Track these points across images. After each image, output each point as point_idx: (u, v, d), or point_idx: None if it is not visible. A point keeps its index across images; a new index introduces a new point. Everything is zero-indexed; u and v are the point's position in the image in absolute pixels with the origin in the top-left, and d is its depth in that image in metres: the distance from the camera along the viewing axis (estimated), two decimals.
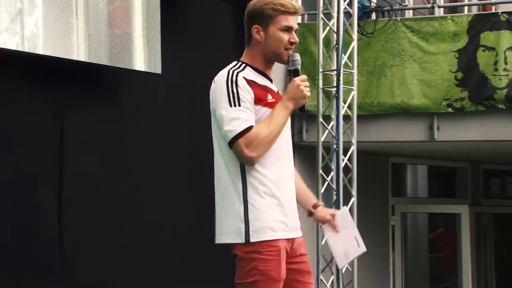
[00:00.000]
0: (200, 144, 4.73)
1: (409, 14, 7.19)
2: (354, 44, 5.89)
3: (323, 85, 5.89)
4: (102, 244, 4.04)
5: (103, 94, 4.17)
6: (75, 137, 4.00)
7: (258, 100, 2.50)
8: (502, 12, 6.16)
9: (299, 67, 2.57)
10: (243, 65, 2.57)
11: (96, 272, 4.01)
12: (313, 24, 6.19)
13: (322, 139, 5.84)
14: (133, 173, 4.24)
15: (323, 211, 2.75)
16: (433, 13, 6.60)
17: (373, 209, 7.32)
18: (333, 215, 2.75)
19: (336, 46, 5.78)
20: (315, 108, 6.04)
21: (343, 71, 5.75)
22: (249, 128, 2.45)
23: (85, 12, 3.87)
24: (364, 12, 6.40)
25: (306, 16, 6.69)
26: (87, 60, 3.89)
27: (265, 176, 2.50)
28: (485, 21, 6.15)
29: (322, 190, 5.83)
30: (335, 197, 5.71)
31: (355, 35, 5.91)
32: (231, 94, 2.46)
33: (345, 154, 5.78)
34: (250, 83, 2.50)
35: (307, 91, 2.54)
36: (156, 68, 4.21)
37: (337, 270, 5.65)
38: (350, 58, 5.88)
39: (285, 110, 2.51)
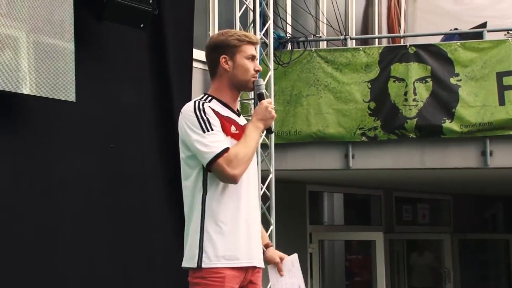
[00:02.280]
0: (116, 175, 4.64)
1: (323, 45, 7.39)
2: (271, 73, 5.98)
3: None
4: (14, 277, 3.85)
5: (13, 123, 4.01)
6: None
7: (222, 130, 2.61)
8: (410, 45, 6.43)
9: (264, 91, 2.74)
10: (210, 97, 2.71)
11: None
12: None
13: None
14: (45, 205, 4.08)
15: (273, 252, 2.84)
16: (346, 44, 6.82)
17: (291, 237, 7.37)
18: (281, 258, 2.83)
19: None
20: None
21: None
22: (226, 149, 2.57)
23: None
24: (280, 43, 6.53)
25: None
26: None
27: (224, 205, 2.59)
28: (395, 53, 6.40)
29: None
30: None
31: (271, 65, 6.01)
32: (201, 121, 2.60)
33: (263, 183, 5.81)
34: (215, 113, 2.63)
35: (274, 112, 2.69)
36: (70, 95, 4.11)
37: None
38: (267, 87, 5.96)
39: (257, 130, 2.66)
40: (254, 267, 2.63)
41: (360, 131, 6.33)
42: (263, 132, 2.74)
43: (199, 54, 6.45)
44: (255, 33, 5.82)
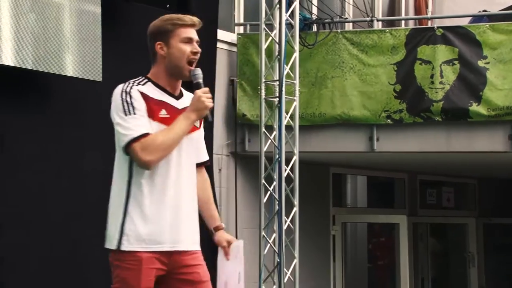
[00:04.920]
0: None
1: (349, 26, 7.32)
2: (296, 55, 5.95)
3: (265, 95, 5.92)
4: (38, 260, 3.92)
5: (40, 102, 4.06)
6: (14, 147, 3.87)
7: (149, 115, 2.61)
8: (438, 27, 6.34)
9: (200, 80, 2.69)
10: (145, 80, 2.70)
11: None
12: (255, 35, 6.22)
13: (265, 149, 5.86)
14: (71, 186, 4.13)
15: (221, 236, 2.83)
16: (372, 26, 6.74)
17: (315, 219, 7.37)
18: (228, 242, 2.83)
19: (278, 56, 5.82)
20: (257, 118, 6.06)
21: (285, 81, 5.79)
22: (145, 134, 2.58)
23: (24, 18, 3.76)
24: (306, 24, 6.48)
25: (248, 27, 6.72)
26: (29, 67, 3.76)
27: (149, 190, 2.60)
28: (421, 35, 6.31)
29: (265, 200, 5.84)
30: (277, 207, 5.73)
31: (296, 46, 5.97)
32: (125, 104, 2.61)
33: (287, 164, 5.81)
34: (144, 96, 2.62)
35: (208, 102, 2.67)
36: (97, 75, 4.14)
37: (279, 280, 5.66)
38: (292, 69, 5.93)
39: (187, 121, 2.63)
40: (184, 251, 2.64)
41: (385, 114, 6.29)
42: (205, 121, 2.72)
43: (223, 35, 6.44)
44: (280, 14, 5.79)
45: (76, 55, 4.01)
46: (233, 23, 6.73)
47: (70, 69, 3.98)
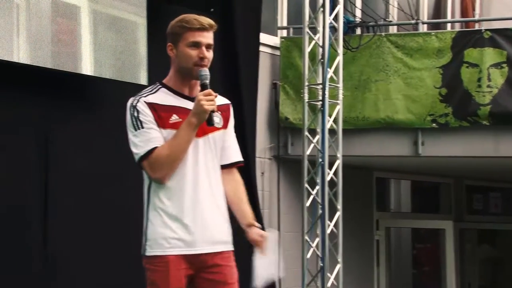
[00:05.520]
0: None
1: (393, 29, 7.25)
2: (340, 58, 5.92)
3: (308, 99, 5.90)
4: (89, 256, 3.99)
5: (88, 105, 4.14)
6: (60, 149, 3.96)
7: (159, 124, 2.61)
8: (485, 30, 6.23)
9: (207, 81, 2.63)
10: (157, 87, 2.69)
11: (83, 284, 3.96)
12: (298, 38, 6.22)
13: (308, 152, 5.85)
14: (119, 185, 4.20)
15: (254, 232, 2.77)
16: (417, 29, 6.66)
17: (358, 224, 7.31)
18: (262, 236, 2.76)
19: (322, 60, 5.80)
20: (300, 122, 6.05)
21: (329, 85, 5.77)
22: (151, 150, 2.58)
23: (35, 16, 3.78)
24: (349, 27, 6.45)
25: (291, 30, 6.72)
26: (73, 71, 3.86)
27: (167, 194, 2.62)
28: (468, 38, 6.21)
29: (308, 204, 5.82)
30: (320, 211, 5.70)
31: (340, 50, 5.94)
32: (133, 119, 2.62)
33: (330, 168, 5.78)
34: (151, 106, 2.61)
35: (208, 106, 2.57)
36: (143, 79, 4.20)
37: (323, 284, 5.63)
38: (336, 72, 5.91)
39: (189, 127, 2.59)
40: (210, 253, 2.64)
41: (431, 118, 6.20)
42: (209, 125, 2.63)
43: (266, 39, 6.45)
44: (324, 17, 5.77)
45: (123, 59, 4.08)
46: (276, 27, 6.73)
47: (117, 73, 4.05)
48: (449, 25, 7.70)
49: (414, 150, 6.30)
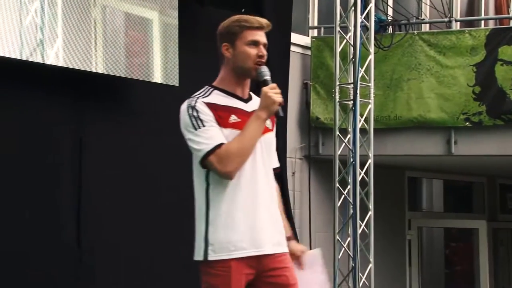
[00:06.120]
0: None
1: (426, 28, 7.17)
2: (371, 57, 5.88)
3: (339, 98, 5.88)
4: (122, 255, 4.04)
5: (122, 107, 4.18)
6: (95, 150, 4.01)
7: (219, 123, 2.59)
8: None
9: (267, 77, 2.64)
10: (210, 90, 2.68)
11: (116, 284, 4.01)
12: (329, 38, 6.19)
13: (339, 152, 5.83)
14: (152, 185, 4.24)
15: (294, 246, 2.77)
16: (450, 27, 6.58)
17: (390, 223, 7.26)
18: (302, 252, 2.77)
19: (353, 59, 5.77)
20: (331, 121, 6.03)
21: (360, 84, 5.74)
22: (218, 145, 2.56)
23: (103, 25, 3.91)
24: (381, 26, 6.40)
25: (322, 30, 6.69)
26: (104, 72, 3.91)
27: (226, 196, 2.60)
28: (503, 35, 6.12)
29: (339, 204, 5.80)
30: (351, 211, 5.68)
31: (372, 49, 5.90)
32: (192, 119, 2.58)
33: (361, 168, 5.75)
34: (210, 106, 2.61)
35: (277, 98, 2.59)
36: (174, 80, 4.23)
37: (354, 284, 5.61)
38: (367, 71, 5.87)
39: (257, 120, 2.59)
40: (270, 254, 2.61)
41: (464, 116, 6.13)
42: (277, 118, 2.66)
43: (297, 38, 6.44)
44: (355, 16, 5.74)
45: (159, 63, 4.13)
46: (307, 26, 6.72)
47: (155, 76, 4.11)
48: (482, 22, 7.60)
49: (447, 149, 6.23)
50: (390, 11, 6.69)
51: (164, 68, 4.12)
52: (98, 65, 3.87)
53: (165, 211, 4.26)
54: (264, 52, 2.65)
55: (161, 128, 4.36)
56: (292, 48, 6.18)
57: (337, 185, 5.79)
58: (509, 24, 6.83)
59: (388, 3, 6.73)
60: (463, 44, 6.18)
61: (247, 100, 2.68)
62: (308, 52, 6.53)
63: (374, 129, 5.92)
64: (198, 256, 2.62)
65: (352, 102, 5.73)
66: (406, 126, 6.28)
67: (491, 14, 8.06)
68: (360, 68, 5.70)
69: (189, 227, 4.38)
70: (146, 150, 4.23)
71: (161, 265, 4.23)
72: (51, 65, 3.71)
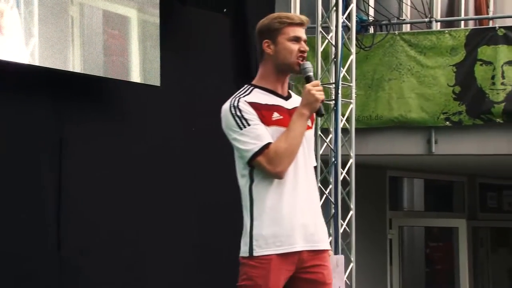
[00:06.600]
0: (199, 157, 4.72)
1: (406, 28, 7.21)
2: (353, 57, 5.90)
3: None
4: (103, 259, 4.01)
5: (102, 107, 4.16)
6: (75, 151, 3.98)
7: (263, 121, 2.59)
8: (499, 27, 6.19)
9: (310, 74, 2.66)
10: (250, 88, 2.68)
11: (98, 286, 3.98)
12: (311, 38, 6.17)
13: (321, 152, 5.84)
14: (134, 186, 4.22)
15: None
16: (430, 27, 6.63)
17: (371, 223, 7.30)
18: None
19: (335, 59, 5.79)
20: None
21: (342, 84, 5.76)
22: (266, 145, 2.57)
23: (81, 24, 3.87)
24: (362, 26, 6.43)
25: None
26: (82, 72, 3.86)
27: (270, 193, 2.60)
28: (482, 36, 6.18)
29: (321, 203, 5.80)
30: (333, 210, 5.70)
31: (353, 49, 5.93)
32: (236, 118, 2.59)
33: (343, 167, 5.77)
34: (253, 105, 2.61)
35: (319, 95, 2.61)
36: (155, 80, 4.21)
37: None
38: (348, 71, 5.89)
39: (301, 118, 2.61)
40: (311, 250, 2.62)
41: (444, 116, 6.18)
42: (318, 116, 2.69)
43: None
44: (337, 16, 5.76)
45: (138, 62, 4.10)
46: None
47: (134, 75, 4.08)
48: (462, 23, 7.66)
49: (428, 149, 6.28)
50: (371, 12, 6.72)
51: (143, 68, 4.09)
52: (75, 65, 3.81)
53: (148, 212, 4.24)
54: (306, 48, 2.67)
55: (142, 128, 4.34)
56: None
57: (319, 184, 5.80)
58: (489, 25, 6.89)
59: (369, 4, 6.76)
60: (443, 44, 6.23)
61: (287, 97, 2.70)
62: None
63: (356, 128, 5.95)
64: (244, 252, 2.62)
65: (333, 102, 5.75)
66: (387, 126, 6.32)
67: (471, 14, 8.13)
68: (341, 68, 5.72)
69: (173, 229, 4.38)
70: (127, 150, 4.21)
71: (144, 268, 4.21)
72: (28, 64, 3.67)
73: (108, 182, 4.09)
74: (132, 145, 4.27)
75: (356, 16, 6.07)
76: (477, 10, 8.01)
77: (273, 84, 2.68)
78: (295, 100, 2.71)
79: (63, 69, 3.76)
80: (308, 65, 2.66)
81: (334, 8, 5.78)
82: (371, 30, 6.52)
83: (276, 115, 2.61)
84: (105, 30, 3.97)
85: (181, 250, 4.40)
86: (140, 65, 4.08)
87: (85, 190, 3.99)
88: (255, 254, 2.58)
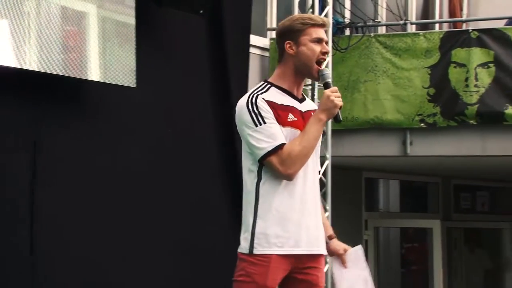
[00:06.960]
0: (174, 159, 4.70)
1: (382, 30, 7.28)
2: (329, 59, 5.94)
3: None
4: (78, 262, 3.97)
5: (78, 109, 4.11)
6: (49, 153, 3.92)
7: (278, 121, 2.60)
8: (473, 30, 6.27)
9: (329, 80, 2.67)
10: (268, 86, 2.68)
11: None
12: None
13: None
14: (109, 189, 4.18)
15: (337, 244, 2.80)
16: (405, 29, 6.69)
17: (347, 224, 7.34)
18: (345, 250, 2.80)
19: None
20: None
21: (318, 86, 5.79)
22: (280, 146, 2.56)
23: (37, 20, 3.74)
24: (338, 28, 6.47)
25: None
26: (38, 70, 3.74)
27: (277, 193, 2.60)
28: (456, 38, 6.25)
29: None
30: None
31: (329, 51, 5.95)
32: (253, 115, 2.58)
33: None
34: (270, 103, 2.61)
35: (338, 101, 2.62)
36: (131, 81, 4.18)
37: None
38: None
39: (318, 123, 2.60)
40: (311, 254, 2.64)
41: (419, 118, 6.23)
42: (336, 122, 2.69)
43: (256, 40, 6.45)
44: None
45: (111, 62, 4.06)
46: (265, 28, 6.74)
47: (105, 75, 4.03)
48: (437, 25, 7.75)
49: (403, 150, 6.33)
50: (347, 14, 6.76)
51: (104, 65, 4.00)
52: (32, 62, 3.67)
53: (123, 215, 4.20)
54: (328, 49, 2.70)
55: (118, 130, 4.31)
56: (251, 49, 6.18)
57: None
58: (462, 27, 6.97)
59: (345, 6, 6.80)
60: (418, 47, 6.29)
61: (301, 100, 2.70)
62: (267, 54, 6.55)
63: (332, 130, 5.98)
64: (244, 249, 2.60)
65: None
66: (363, 128, 6.36)
67: (445, 17, 8.22)
68: None
69: (150, 230, 4.34)
70: (102, 152, 4.17)
71: (120, 271, 4.17)
72: None
73: (83, 185, 4.05)
74: (108, 147, 4.23)
75: (332, 18, 6.11)
76: (451, 13, 8.11)
77: (290, 85, 2.67)
78: (308, 103, 2.72)
79: (19, 66, 3.62)
80: (327, 71, 2.68)
81: (310, 10, 5.81)
82: (347, 32, 6.57)
83: (291, 117, 2.61)
84: (63, 27, 3.86)
85: (160, 255, 4.38)
86: (99, 63, 3.96)
87: (60, 194, 3.93)
88: (255, 252, 2.58)
